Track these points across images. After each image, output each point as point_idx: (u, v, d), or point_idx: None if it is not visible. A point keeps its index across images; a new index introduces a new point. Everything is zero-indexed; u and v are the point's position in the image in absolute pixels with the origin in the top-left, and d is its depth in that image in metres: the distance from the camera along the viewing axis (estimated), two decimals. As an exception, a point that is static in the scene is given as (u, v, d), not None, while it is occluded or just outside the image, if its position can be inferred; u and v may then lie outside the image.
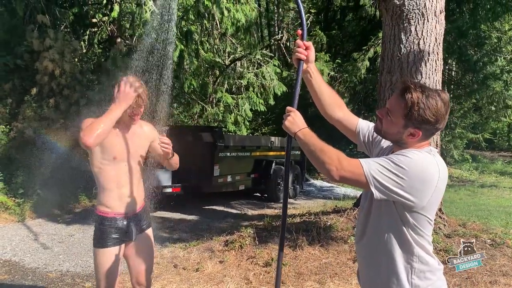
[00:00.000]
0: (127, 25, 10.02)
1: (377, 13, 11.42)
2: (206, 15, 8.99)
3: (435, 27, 4.63)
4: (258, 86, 12.04)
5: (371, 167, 1.44)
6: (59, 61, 8.05)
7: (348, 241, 4.66)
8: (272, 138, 10.33)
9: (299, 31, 1.83)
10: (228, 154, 8.32)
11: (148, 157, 2.67)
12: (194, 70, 10.43)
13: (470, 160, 19.77)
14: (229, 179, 8.39)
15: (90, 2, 9.77)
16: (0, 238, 5.72)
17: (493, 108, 13.82)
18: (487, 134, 20.75)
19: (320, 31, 13.15)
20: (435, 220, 4.64)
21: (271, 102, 12.18)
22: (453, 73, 13.75)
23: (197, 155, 7.39)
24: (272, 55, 14.63)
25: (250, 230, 5.01)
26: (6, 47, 8.32)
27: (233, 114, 11.82)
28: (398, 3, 4.57)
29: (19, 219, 6.82)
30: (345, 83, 12.68)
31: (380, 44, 6.02)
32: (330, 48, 14.22)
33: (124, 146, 2.41)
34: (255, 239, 4.81)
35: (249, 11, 9.07)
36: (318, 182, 13.42)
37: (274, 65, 12.44)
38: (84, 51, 9.37)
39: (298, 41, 1.80)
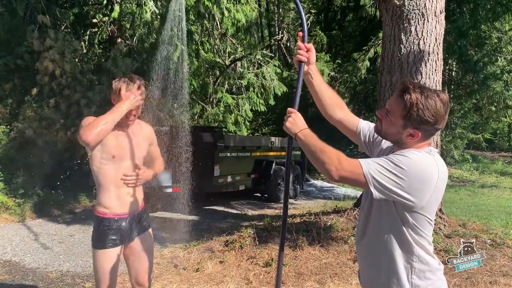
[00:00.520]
0: (128, 26, 10.03)
1: (377, 13, 11.42)
2: (207, 15, 9.00)
3: (435, 27, 4.63)
4: (259, 86, 12.05)
5: (370, 167, 1.45)
6: (59, 61, 8.05)
7: (348, 241, 4.66)
8: (272, 139, 10.33)
9: (300, 33, 1.84)
10: (228, 154, 8.32)
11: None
12: (195, 70, 10.43)
13: (471, 160, 19.76)
14: (229, 179, 8.39)
15: (90, 3, 9.78)
16: (0, 238, 5.72)
17: (493, 108, 13.81)
18: (488, 134, 20.74)
19: (320, 31, 13.15)
20: (435, 220, 4.63)
21: (271, 102, 12.19)
22: (453, 73, 13.74)
23: (197, 155, 7.40)
24: (273, 55, 14.64)
25: (250, 230, 5.01)
26: (6, 47, 8.33)
27: (233, 114, 11.82)
28: (398, 3, 4.57)
29: (19, 219, 6.82)
30: (345, 83, 12.68)
31: (380, 44, 6.02)
32: (330, 48, 14.22)
33: (123, 145, 2.40)
34: (255, 239, 4.81)
35: (250, 11, 9.08)
36: (319, 182, 13.41)
37: (275, 65, 12.44)
38: (85, 51, 9.38)
39: (299, 43, 1.81)
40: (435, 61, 4.68)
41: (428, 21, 4.57)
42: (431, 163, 1.49)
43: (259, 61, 12.26)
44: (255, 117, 14.46)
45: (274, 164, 9.41)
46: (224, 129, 10.89)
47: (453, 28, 10.04)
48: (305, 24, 1.88)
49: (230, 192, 8.88)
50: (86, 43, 9.50)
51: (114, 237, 2.40)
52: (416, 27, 4.57)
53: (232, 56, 12.43)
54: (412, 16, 4.56)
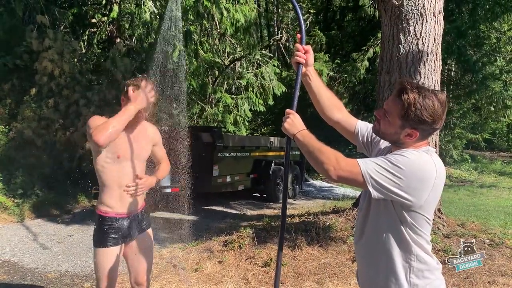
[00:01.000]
0: (127, 26, 10.02)
1: (376, 13, 11.42)
2: (206, 15, 8.99)
3: (434, 28, 4.63)
4: (258, 86, 12.04)
5: (368, 166, 1.46)
6: (58, 61, 8.05)
7: (347, 241, 4.66)
8: (271, 139, 10.33)
9: (299, 35, 1.87)
10: (228, 154, 8.32)
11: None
12: (194, 70, 10.42)
13: (469, 160, 19.78)
14: (228, 179, 8.39)
15: (89, 3, 9.78)
16: (-1, 238, 5.72)
17: (492, 108, 13.80)
18: (487, 135, 20.73)
19: (319, 32, 13.15)
20: (434, 220, 4.64)
21: (271, 102, 12.18)
22: (452, 73, 13.73)
23: (196, 155, 7.40)
24: (272, 55, 14.64)
25: (249, 230, 5.01)
26: (5, 47, 8.33)
27: (232, 114, 11.81)
28: (396, 3, 4.58)
29: (18, 219, 6.82)
30: (344, 83, 12.68)
31: (379, 45, 6.03)
32: (329, 48, 14.21)
33: (128, 146, 2.41)
34: (254, 239, 4.81)
35: (249, 11, 9.07)
36: (318, 183, 13.42)
37: (274, 65, 12.44)
38: (84, 51, 9.37)
39: (297, 45, 1.83)
40: (434, 61, 4.69)
41: (426, 21, 4.58)
42: (428, 162, 1.49)
43: (258, 61, 12.26)
44: (254, 117, 14.45)
45: (273, 164, 9.41)
46: (223, 129, 10.89)
47: (452, 28, 10.04)
48: (303, 26, 1.91)
49: (229, 192, 8.88)
50: (85, 43, 9.50)
51: (115, 236, 2.42)
52: (414, 27, 4.58)
53: (231, 56, 12.43)
54: (411, 16, 4.57)
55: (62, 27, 9.24)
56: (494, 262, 4.15)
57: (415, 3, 4.54)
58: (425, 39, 4.59)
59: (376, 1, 6.07)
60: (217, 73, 12.24)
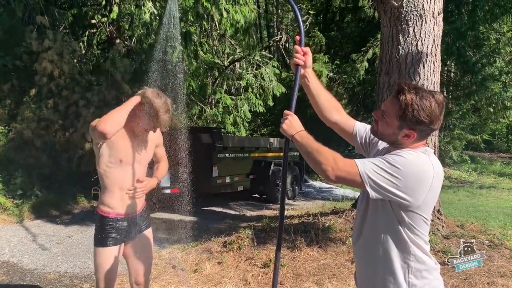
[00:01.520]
0: (126, 26, 10.03)
1: (376, 14, 11.42)
2: (205, 16, 8.98)
3: (433, 29, 4.64)
4: (257, 87, 12.05)
5: (366, 166, 1.47)
6: (58, 62, 8.05)
7: (346, 242, 4.67)
8: (271, 139, 10.33)
9: (298, 37, 1.88)
10: (227, 155, 8.32)
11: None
12: (193, 71, 10.43)
13: (469, 161, 19.80)
14: (227, 180, 8.39)
15: (89, 3, 9.78)
16: (-2, 239, 5.72)
17: (491, 110, 13.79)
18: (486, 135, 20.74)
19: (319, 32, 13.14)
20: (433, 221, 4.64)
21: (270, 103, 12.18)
22: (451, 74, 13.72)
23: (195, 156, 7.40)
24: (271, 56, 14.64)
25: (249, 231, 5.01)
26: (5, 48, 8.33)
27: (232, 115, 11.81)
28: (396, 4, 4.58)
29: (17, 220, 6.81)
30: (344, 84, 12.66)
31: (379, 46, 6.03)
32: (329, 49, 14.19)
33: (131, 150, 2.44)
34: (253, 240, 4.81)
35: (248, 12, 9.07)
36: (317, 183, 13.42)
37: (273, 66, 12.44)
38: (83, 52, 9.37)
39: (297, 47, 1.85)
40: (433, 62, 4.69)
41: (426, 23, 4.58)
42: (426, 163, 1.50)
43: (257, 62, 12.26)
44: (254, 118, 14.46)
45: (272, 165, 9.41)
46: (222, 130, 10.89)
47: (452, 29, 10.04)
48: (302, 28, 1.92)
49: (229, 193, 8.87)
50: (85, 43, 9.50)
51: (116, 236, 2.45)
52: (414, 28, 4.58)
53: (231, 57, 12.43)
54: (410, 18, 4.57)
55: (61, 28, 9.25)
56: (493, 263, 4.15)
57: (414, 4, 4.55)
58: (424, 40, 4.60)
59: (376, 2, 6.08)
60: (216, 74, 12.25)
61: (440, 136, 13.89)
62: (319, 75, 9.44)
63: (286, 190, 9.02)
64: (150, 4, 8.42)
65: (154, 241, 2.75)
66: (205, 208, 8.42)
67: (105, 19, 8.98)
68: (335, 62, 13.01)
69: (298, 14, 1.96)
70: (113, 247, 2.44)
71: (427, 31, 4.60)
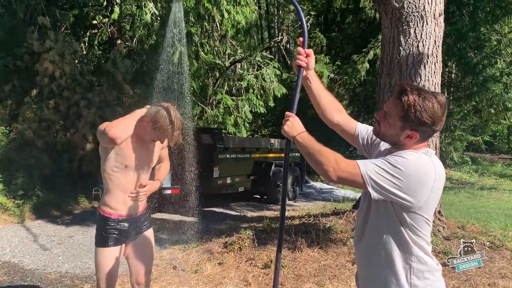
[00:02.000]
0: (127, 27, 10.04)
1: (377, 15, 11.42)
2: (206, 17, 9.00)
3: (434, 30, 4.63)
4: (258, 88, 12.05)
5: (367, 167, 1.47)
6: (59, 63, 8.06)
7: (347, 243, 4.66)
8: (272, 140, 10.34)
9: (301, 39, 1.88)
10: (228, 156, 8.32)
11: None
12: (194, 72, 10.44)
13: (470, 163, 19.79)
14: (228, 181, 8.39)
15: (90, 4, 9.79)
16: (-1, 239, 5.72)
17: (492, 111, 13.78)
18: (487, 137, 20.75)
19: (320, 33, 13.16)
20: (434, 222, 4.63)
21: (271, 104, 12.19)
22: (452, 75, 13.72)
23: (196, 156, 7.40)
24: (272, 57, 14.65)
25: (249, 232, 5.01)
26: (6, 48, 8.35)
27: (233, 116, 11.82)
28: (397, 5, 4.58)
29: (18, 220, 6.82)
30: (345, 85, 12.67)
31: (380, 47, 6.03)
32: (330, 50, 14.21)
33: (138, 156, 2.45)
34: (254, 241, 4.81)
35: (249, 13, 9.08)
36: (318, 184, 13.42)
37: (274, 67, 12.45)
38: (84, 52, 9.39)
39: (299, 48, 1.85)
40: (434, 64, 4.69)
41: (427, 24, 4.58)
42: (428, 164, 1.50)
43: (258, 63, 12.27)
44: (255, 118, 14.46)
45: (273, 166, 9.41)
46: (223, 131, 10.90)
47: (453, 30, 10.04)
48: (305, 30, 1.91)
49: (230, 193, 8.87)
50: (86, 44, 9.51)
51: (117, 236, 2.47)
52: (415, 29, 4.58)
53: (231, 58, 12.44)
54: (411, 19, 4.57)
55: (63, 29, 9.26)
56: (494, 265, 4.14)
57: (415, 5, 4.55)
58: (425, 41, 4.60)
59: (377, 3, 6.07)
60: (217, 74, 12.26)
61: (441, 137, 13.89)
62: (320, 76, 9.43)
63: (287, 191, 9.02)
64: (151, 5, 8.44)
65: (155, 241, 2.77)
66: (206, 209, 8.42)
67: (106, 19, 9.00)
68: (336, 63, 13.02)
69: (302, 15, 1.96)
70: (114, 247, 2.46)
71: (428, 32, 4.60)
